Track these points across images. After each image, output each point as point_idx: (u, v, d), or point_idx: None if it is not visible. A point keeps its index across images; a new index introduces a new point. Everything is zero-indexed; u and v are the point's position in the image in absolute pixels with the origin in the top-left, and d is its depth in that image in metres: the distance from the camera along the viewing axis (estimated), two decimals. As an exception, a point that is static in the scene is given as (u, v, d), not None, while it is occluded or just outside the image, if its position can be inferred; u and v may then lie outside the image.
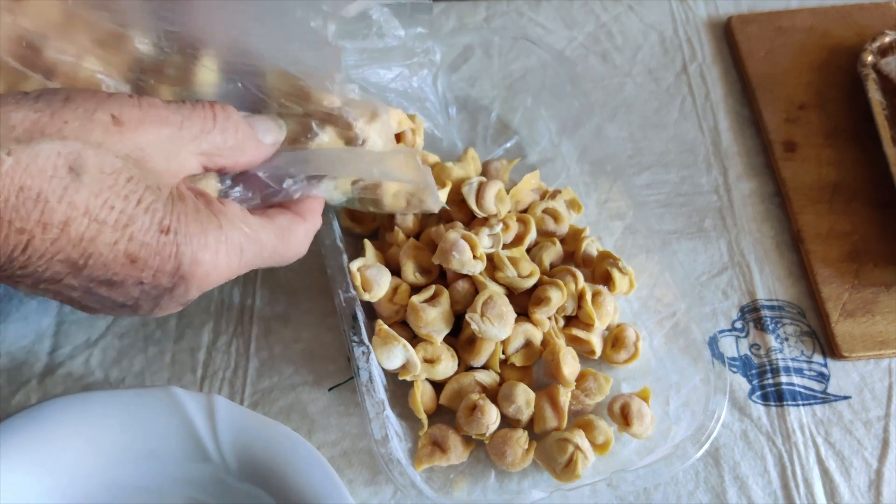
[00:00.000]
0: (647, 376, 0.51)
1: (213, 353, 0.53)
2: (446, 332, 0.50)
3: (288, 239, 0.40)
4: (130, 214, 0.33)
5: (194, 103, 0.37)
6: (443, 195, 0.50)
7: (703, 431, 0.45)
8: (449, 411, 0.49)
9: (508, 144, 0.61)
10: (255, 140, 0.40)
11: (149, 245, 0.34)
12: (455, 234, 0.49)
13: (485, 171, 0.57)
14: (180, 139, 0.36)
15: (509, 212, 0.54)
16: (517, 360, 0.50)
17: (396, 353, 0.47)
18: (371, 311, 0.51)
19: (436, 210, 0.48)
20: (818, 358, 0.52)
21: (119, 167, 0.33)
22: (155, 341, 0.53)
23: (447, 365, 0.49)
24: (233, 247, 0.37)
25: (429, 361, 0.49)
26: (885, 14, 0.66)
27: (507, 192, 0.54)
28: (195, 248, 0.35)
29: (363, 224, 0.56)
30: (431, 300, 0.50)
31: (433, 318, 0.49)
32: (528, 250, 0.53)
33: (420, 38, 0.45)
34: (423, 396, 0.49)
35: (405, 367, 0.48)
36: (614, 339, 0.51)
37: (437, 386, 0.50)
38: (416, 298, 0.49)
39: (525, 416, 0.48)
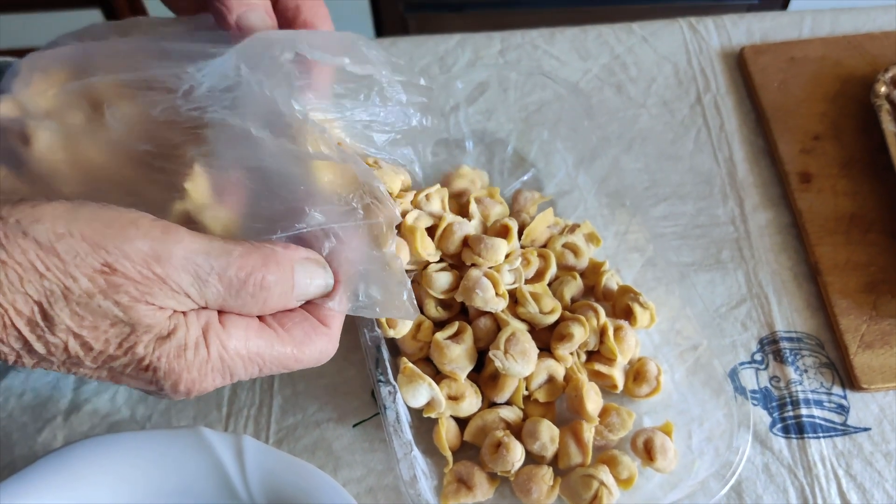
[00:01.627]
0: (669, 410, 0.51)
1: (237, 391, 0.53)
2: (469, 368, 0.50)
3: (304, 349, 0.38)
4: (110, 355, 0.34)
5: (244, 250, 0.36)
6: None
7: (727, 468, 0.46)
8: (474, 447, 0.50)
9: (525, 177, 0.62)
10: (289, 297, 0.38)
11: (130, 375, 0.35)
12: (478, 272, 0.50)
13: (514, 202, 0.58)
14: (203, 286, 0.35)
15: (531, 245, 0.55)
16: (540, 396, 0.50)
17: (421, 392, 0.48)
18: (395, 348, 0.52)
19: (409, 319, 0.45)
20: (837, 390, 0.53)
21: (102, 311, 0.33)
22: (181, 379, 0.53)
23: (471, 402, 0.50)
24: (221, 372, 0.36)
25: (453, 398, 0.49)
26: (896, 43, 0.66)
27: (524, 227, 0.55)
28: (175, 380, 0.35)
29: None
30: (455, 337, 0.50)
31: (457, 356, 0.49)
32: (549, 284, 0.53)
33: (421, 107, 0.46)
34: (447, 433, 0.49)
35: (430, 404, 0.49)
36: (636, 372, 0.52)
37: (462, 422, 0.50)
38: (439, 335, 0.50)
39: (549, 452, 0.48)
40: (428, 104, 0.47)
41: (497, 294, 0.50)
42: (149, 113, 0.40)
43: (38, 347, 0.33)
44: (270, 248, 0.36)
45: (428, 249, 0.51)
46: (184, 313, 0.35)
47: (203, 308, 0.36)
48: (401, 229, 0.50)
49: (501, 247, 0.51)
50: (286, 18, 0.45)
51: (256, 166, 0.39)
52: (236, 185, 0.39)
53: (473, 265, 0.51)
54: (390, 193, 0.47)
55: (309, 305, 0.39)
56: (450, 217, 0.52)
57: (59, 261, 0.32)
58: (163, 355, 0.35)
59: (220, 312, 0.36)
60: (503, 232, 0.53)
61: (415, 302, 0.41)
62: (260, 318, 0.38)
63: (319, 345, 0.39)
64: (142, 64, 0.42)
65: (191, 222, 0.39)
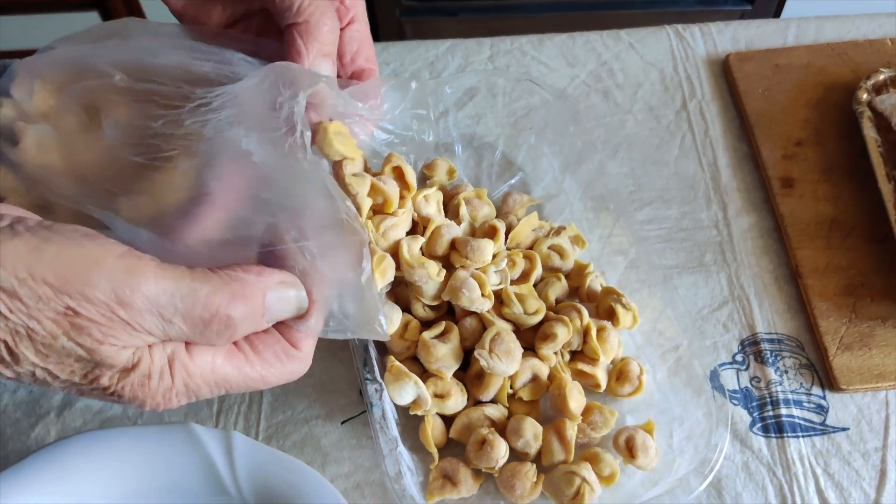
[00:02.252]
0: (651, 409, 0.52)
1: (228, 388, 0.54)
2: (456, 367, 0.51)
3: (273, 371, 0.39)
4: (76, 383, 0.35)
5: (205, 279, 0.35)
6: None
7: (706, 465, 0.47)
8: (459, 444, 0.51)
9: (513, 181, 0.63)
10: (259, 322, 0.37)
11: (97, 397, 0.36)
12: (465, 272, 0.51)
13: (503, 204, 0.59)
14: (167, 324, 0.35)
15: (516, 247, 0.56)
16: (525, 395, 0.51)
17: (408, 389, 0.49)
18: (383, 347, 0.53)
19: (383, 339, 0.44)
20: (817, 390, 0.54)
21: (66, 351, 0.34)
22: (172, 377, 0.54)
23: (457, 400, 0.51)
24: (186, 395, 0.37)
25: (439, 396, 0.50)
26: (880, 51, 0.67)
27: (511, 229, 0.56)
28: (140, 404, 0.36)
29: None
30: (441, 336, 0.51)
31: (443, 355, 0.50)
32: (535, 286, 0.54)
33: (419, 118, 0.48)
34: (433, 431, 0.50)
35: (416, 402, 0.50)
36: (618, 372, 0.53)
37: (448, 420, 0.51)
38: (426, 335, 0.51)
39: (533, 449, 0.49)
40: (425, 116, 0.49)
41: (483, 294, 0.51)
42: (147, 124, 0.41)
43: (8, 374, 0.34)
44: (241, 280, 0.36)
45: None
46: (149, 346, 0.35)
47: (167, 340, 0.36)
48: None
49: (488, 248, 0.52)
50: (342, 64, 0.47)
51: (244, 178, 0.39)
52: (221, 196, 0.40)
53: (461, 267, 0.52)
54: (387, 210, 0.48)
55: (282, 326, 0.39)
56: (438, 220, 0.53)
57: (22, 304, 0.32)
58: (126, 385, 0.35)
59: (187, 343, 0.37)
60: (491, 233, 0.54)
61: (385, 325, 0.41)
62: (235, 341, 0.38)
63: (290, 367, 0.40)
64: (145, 74, 0.43)
65: (167, 226, 0.40)
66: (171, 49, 0.44)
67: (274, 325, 0.39)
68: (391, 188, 0.49)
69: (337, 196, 0.39)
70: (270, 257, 0.39)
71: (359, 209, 0.47)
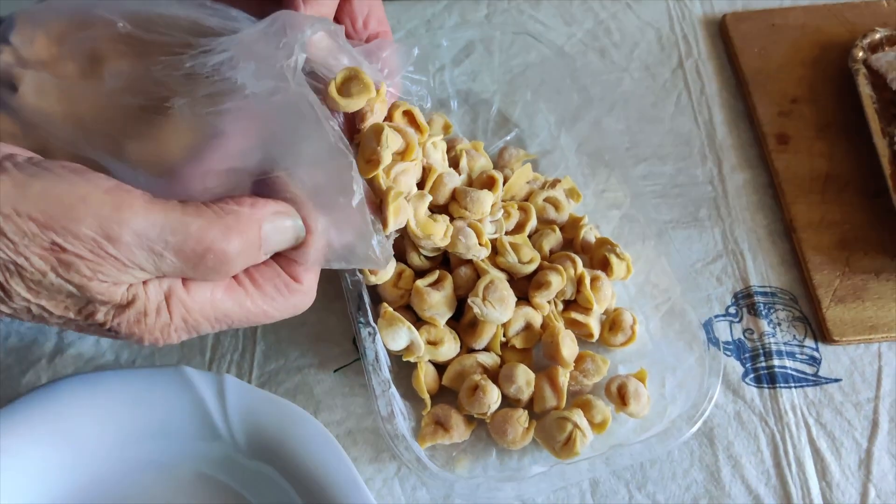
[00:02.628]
0: (644, 359, 0.52)
1: (221, 337, 0.54)
2: (449, 315, 0.51)
3: (276, 304, 0.39)
4: (70, 319, 0.35)
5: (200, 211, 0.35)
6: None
7: (696, 409, 0.47)
8: (451, 392, 0.51)
9: (509, 137, 0.63)
10: (256, 255, 0.37)
11: (94, 332, 0.36)
12: (462, 222, 0.51)
13: (499, 158, 0.60)
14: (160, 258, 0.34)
15: (511, 200, 0.56)
16: (517, 343, 0.51)
17: (401, 335, 0.49)
18: (376, 295, 0.53)
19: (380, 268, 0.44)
20: (810, 342, 0.54)
21: (56, 287, 0.33)
22: (165, 324, 0.54)
23: (449, 347, 0.50)
24: (186, 331, 0.37)
25: (432, 343, 0.50)
26: (876, 11, 0.67)
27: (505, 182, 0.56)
28: (138, 340, 0.36)
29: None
30: (435, 284, 0.51)
31: (436, 302, 0.50)
32: (529, 237, 0.54)
33: (417, 83, 0.48)
34: (426, 377, 0.50)
35: (409, 348, 0.50)
36: (612, 322, 0.53)
37: (440, 367, 0.51)
38: (420, 282, 0.51)
39: (525, 395, 0.49)
40: (424, 82, 0.49)
41: (480, 243, 0.51)
42: (148, 70, 0.40)
43: (5, 310, 0.34)
44: (234, 213, 0.36)
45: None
46: (144, 282, 0.35)
47: (163, 276, 0.35)
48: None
49: (487, 199, 0.52)
50: (355, 30, 0.46)
51: (235, 111, 0.39)
52: (222, 140, 0.39)
53: (460, 218, 0.52)
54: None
55: (282, 259, 0.39)
56: (441, 168, 0.53)
57: (9, 241, 0.32)
58: (122, 322, 0.35)
59: (184, 279, 0.36)
60: (489, 183, 0.54)
61: (383, 251, 0.41)
62: (234, 275, 0.38)
63: (293, 300, 0.39)
64: (150, 25, 0.42)
65: (167, 168, 0.39)
66: (178, 2, 0.44)
67: (273, 258, 0.39)
68: (410, 135, 0.49)
69: (323, 119, 0.39)
70: (263, 188, 0.38)
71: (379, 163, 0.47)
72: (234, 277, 0.38)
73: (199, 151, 0.39)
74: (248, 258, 0.37)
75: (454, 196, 0.52)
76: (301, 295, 0.40)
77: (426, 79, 0.49)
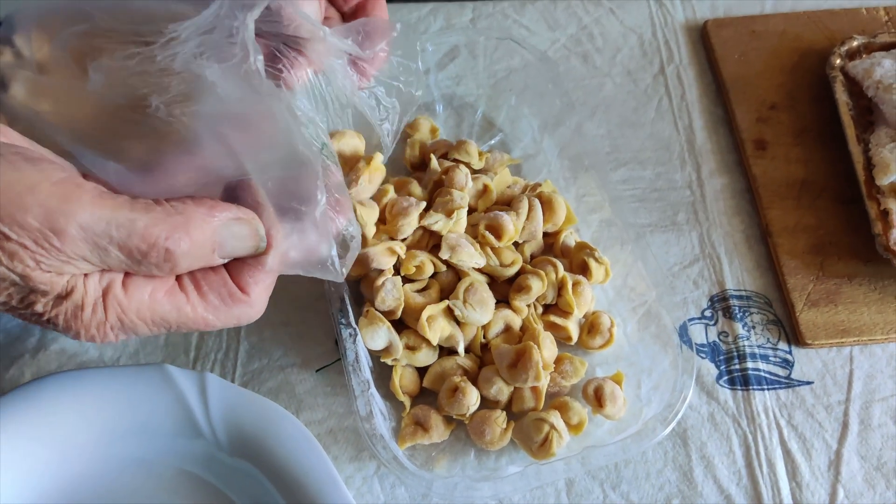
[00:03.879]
0: (621, 361, 0.53)
1: (205, 336, 0.55)
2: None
3: (218, 314, 0.38)
4: (13, 307, 0.35)
5: (157, 209, 0.35)
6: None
7: (670, 410, 0.48)
8: (432, 393, 0.52)
9: (493, 141, 0.63)
10: (208, 258, 0.37)
11: (36, 323, 0.36)
12: (455, 235, 0.52)
13: (484, 161, 0.60)
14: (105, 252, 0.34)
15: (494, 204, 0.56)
16: (497, 344, 0.52)
17: (380, 334, 0.50)
18: (358, 296, 0.53)
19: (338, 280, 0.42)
20: (783, 345, 0.55)
21: (1, 275, 0.33)
22: (149, 324, 0.55)
23: (427, 353, 0.51)
24: (123, 331, 0.37)
25: (410, 348, 0.51)
26: (855, 19, 0.68)
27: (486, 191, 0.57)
28: (74, 334, 0.36)
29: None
30: (423, 291, 0.52)
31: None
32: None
33: (409, 70, 0.47)
34: (406, 380, 0.51)
35: (388, 349, 0.51)
36: (590, 325, 0.53)
37: (421, 369, 0.52)
38: (409, 287, 0.52)
39: (504, 397, 0.50)
40: (417, 70, 0.48)
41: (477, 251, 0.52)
42: (126, 64, 0.40)
43: None
44: (186, 213, 0.35)
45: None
46: (85, 275, 0.35)
47: (107, 270, 0.35)
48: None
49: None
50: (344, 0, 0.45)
51: (208, 115, 0.38)
52: (187, 136, 0.39)
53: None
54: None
55: (237, 266, 0.38)
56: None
57: None
58: (60, 314, 0.35)
59: (127, 274, 0.36)
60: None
61: (342, 264, 0.40)
62: (178, 278, 0.37)
63: (235, 311, 0.38)
64: (129, 15, 0.42)
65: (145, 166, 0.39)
66: None
67: (232, 263, 0.38)
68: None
69: (292, 125, 0.38)
70: (233, 192, 0.38)
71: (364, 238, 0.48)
72: (179, 281, 0.38)
73: (175, 153, 0.39)
74: (196, 260, 0.36)
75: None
76: (245, 306, 0.39)
77: (415, 65, 0.48)
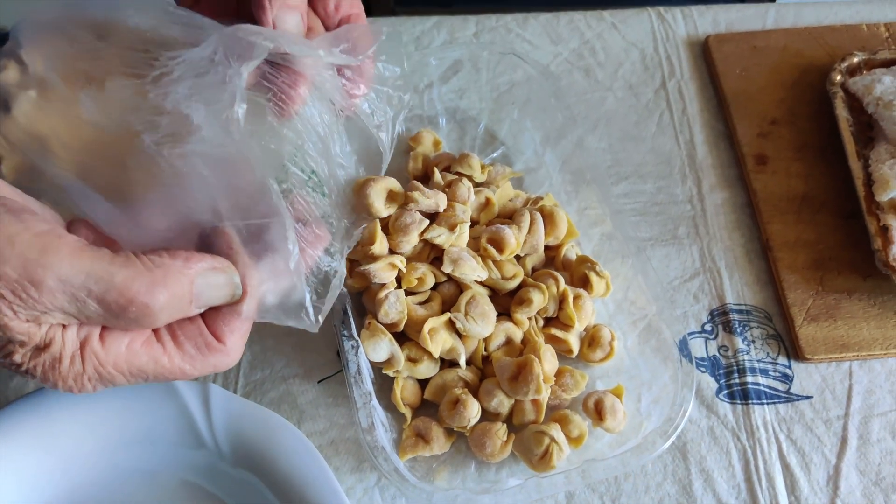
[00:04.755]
0: (621, 374, 0.53)
1: (208, 347, 0.55)
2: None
3: (195, 364, 0.38)
4: None
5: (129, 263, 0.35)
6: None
7: (670, 424, 0.48)
8: (433, 405, 0.52)
9: (495, 154, 0.64)
10: (186, 309, 0.37)
11: (14, 370, 0.36)
12: (457, 248, 0.52)
13: (486, 174, 0.60)
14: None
15: (496, 217, 0.57)
16: (498, 357, 0.52)
17: (382, 346, 0.50)
18: (360, 308, 0.54)
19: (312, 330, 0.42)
20: (783, 360, 0.55)
21: None
22: (153, 334, 0.55)
23: (428, 366, 0.52)
24: (101, 382, 0.37)
25: (412, 360, 0.52)
26: (856, 36, 0.69)
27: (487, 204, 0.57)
28: (53, 385, 0.36)
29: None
30: (425, 304, 0.53)
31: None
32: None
33: (396, 75, 0.47)
34: (408, 392, 0.51)
35: (390, 361, 0.51)
36: (591, 338, 0.54)
37: (423, 381, 0.53)
38: (411, 300, 0.52)
39: (505, 409, 0.51)
40: (402, 74, 0.48)
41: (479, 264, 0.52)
42: (119, 97, 0.40)
43: None
44: (164, 267, 0.35)
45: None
46: (63, 326, 0.35)
47: (85, 323, 0.35)
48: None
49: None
50: (327, 14, 0.45)
51: (192, 156, 0.38)
52: (172, 176, 0.39)
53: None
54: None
55: (213, 314, 0.38)
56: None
57: None
58: (38, 365, 0.35)
59: (104, 326, 0.36)
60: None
61: (316, 313, 0.40)
62: (155, 329, 0.37)
63: (212, 360, 0.38)
64: (119, 38, 0.42)
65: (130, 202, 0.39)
66: (144, 10, 0.43)
67: (208, 312, 0.38)
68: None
69: (268, 174, 0.38)
70: (208, 239, 0.38)
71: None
72: (155, 332, 0.37)
73: (160, 193, 0.39)
74: (175, 312, 0.36)
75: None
76: (222, 355, 0.39)
77: (400, 70, 0.48)
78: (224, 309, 0.38)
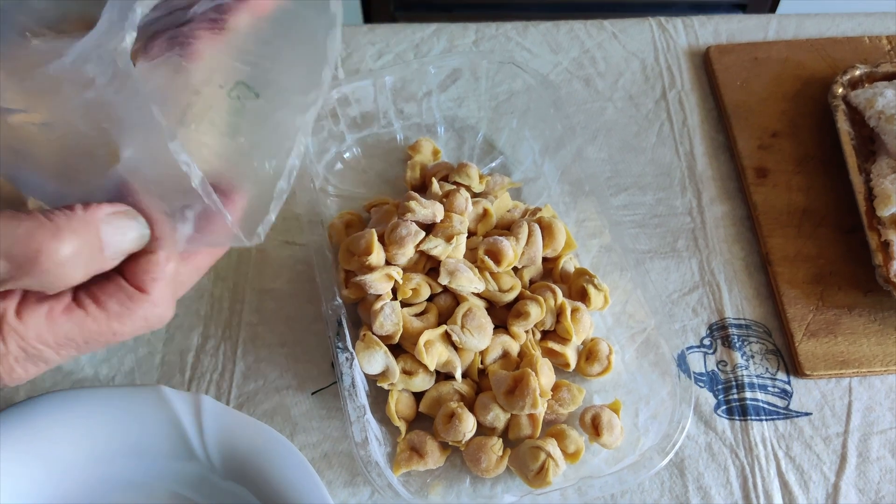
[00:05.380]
0: (619, 389, 0.53)
1: (201, 356, 0.55)
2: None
3: (123, 321, 0.36)
4: None
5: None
6: None
7: (668, 441, 0.47)
8: (428, 418, 0.51)
9: (494, 164, 0.63)
10: (100, 260, 0.35)
11: None
12: (454, 260, 0.52)
13: (485, 184, 0.60)
14: None
15: (493, 229, 0.56)
16: (495, 370, 0.52)
17: (377, 359, 0.50)
18: (356, 319, 0.53)
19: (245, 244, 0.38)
20: (782, 375, 0.54)
21: None
22: (145, 342, 0.55)
23: (424, 378, 0.51)
24: (32, 361, 0.35)
25: (407, 373, 0.51)
26: (857, 48, 0.68)
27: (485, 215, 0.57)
28: None
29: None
30: (421, 315, 0.52)
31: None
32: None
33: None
34: (402, 405, 0.51)
35: (384, 374, 0.50)
36: (588, 352, 0.53)
37: (418, 394, 0.52)
38: (407, 311, 0.52)
39: (501, 424, 0.50)
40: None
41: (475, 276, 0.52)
42: (66, 108, 0.37)
43: None
44: (66, 215, 0.34)
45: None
46: None
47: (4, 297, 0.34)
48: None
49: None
50: None
51: (89, 107, 0.35)
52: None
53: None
54: None
55: (130, 269, 0.36)
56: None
57: None
58: None
59: (22, 300, 0.35)
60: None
61: (243, 227, 0.37)
62: (75, 295, 0.36)
63: (141, 313, 0.37)
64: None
65: None
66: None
67: (120, 270, 0.36)
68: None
69: (152, 109, 0.35)
70: (115, 189, 0.36)
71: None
72: (76, 298, 0.36)
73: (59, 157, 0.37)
74: (89, 262, 0.34)
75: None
76: (150, 306, 0.37)
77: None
78: (140, 258, 0.36)
